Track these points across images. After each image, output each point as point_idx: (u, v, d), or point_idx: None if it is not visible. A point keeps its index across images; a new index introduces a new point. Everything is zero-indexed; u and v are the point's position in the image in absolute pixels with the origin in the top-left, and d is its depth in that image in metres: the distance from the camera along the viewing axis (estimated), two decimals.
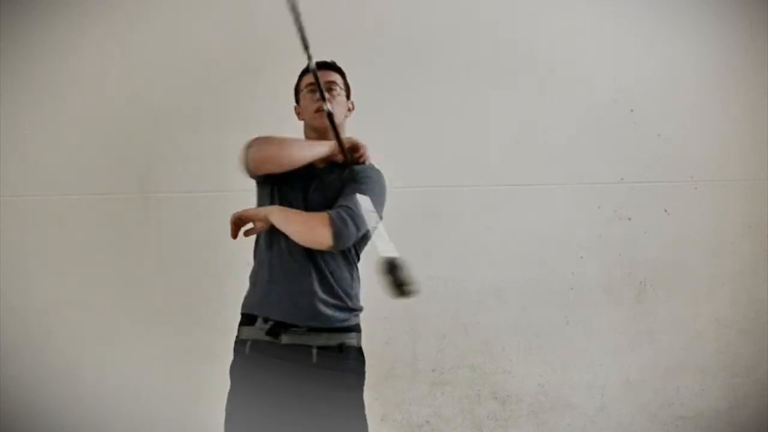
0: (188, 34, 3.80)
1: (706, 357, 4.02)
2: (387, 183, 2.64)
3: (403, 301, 3.79)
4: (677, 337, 4.00)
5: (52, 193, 3.78)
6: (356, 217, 2.44)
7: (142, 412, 3.75)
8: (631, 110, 3.99)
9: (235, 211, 2.57)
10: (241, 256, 3.63)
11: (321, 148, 2.57)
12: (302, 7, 3.79)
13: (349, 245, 2.51)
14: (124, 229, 3.78)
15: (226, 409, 2.56)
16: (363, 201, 2.44)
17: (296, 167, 2.53)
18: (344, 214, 2.44)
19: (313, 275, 2.51)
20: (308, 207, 2.54)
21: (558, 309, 3.95)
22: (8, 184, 3.76)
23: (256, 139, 2.57)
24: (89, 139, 3.78)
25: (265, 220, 2.52)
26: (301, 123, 2.76)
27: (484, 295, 3.91)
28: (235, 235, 2.57)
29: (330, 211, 2.45)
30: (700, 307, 4.02)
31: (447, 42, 3.90)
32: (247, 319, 2.58)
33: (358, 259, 2.63)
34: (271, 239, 2.57)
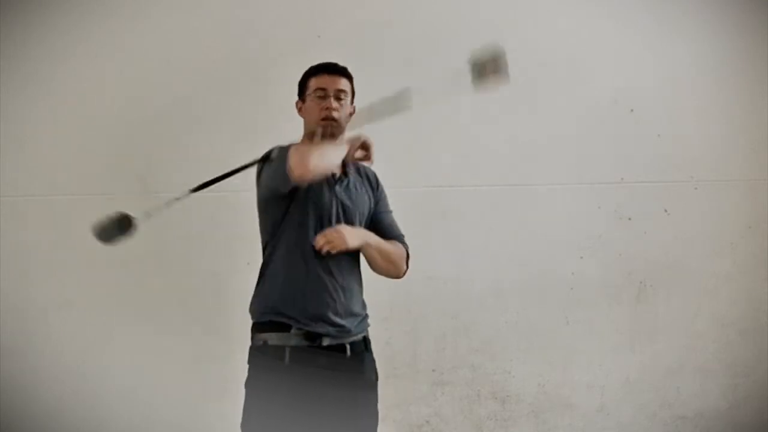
0: (189, 34, 3.80)
1: (706, 357, 4.02)
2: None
3: (403, 301, 3.81)
4: (677, 337, 4.01)
5: (52, 193, 3.77)
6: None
7: (142, 412, 3.75)
8: (631, 110, 3.99)
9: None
10: (242, 256, 3.64)
11: (342, 153, 2.60)
12: (306, 8, 3.80)
13: None
14: None
15: (253, 417, 2.51)
16: None
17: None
18: (401, 236, 2.71)
19: (352, 281, 2.60)
20: (340, 213, 2.59)
21: (558, 309, 3.95)
22: (8, 184, 3.75)
23: (288, 148, 2.49)
24: (89, 139, 3.78)
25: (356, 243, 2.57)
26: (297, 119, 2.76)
27: (484, 295, 3.91)
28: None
29: (403, 245, 2.68)
30: (700, 307, 4.02)
31: (447, 42, 3.90)
32: (276, 326, 2.53)
33: None
34: (295, 244, 2.56)
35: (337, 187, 2.60)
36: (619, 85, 3.98)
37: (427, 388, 3.90)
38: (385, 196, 2.73)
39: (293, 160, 2.39)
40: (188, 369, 3.73)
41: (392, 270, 2.64)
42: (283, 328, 2.52)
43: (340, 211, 2.59)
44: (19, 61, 3.73)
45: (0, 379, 3.70)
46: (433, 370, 3.90)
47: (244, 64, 3.80)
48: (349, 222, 2.59)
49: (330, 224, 2.55)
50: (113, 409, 3.74)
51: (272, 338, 2.53)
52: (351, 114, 2.67)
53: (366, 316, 2.64)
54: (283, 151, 2.48)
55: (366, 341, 2.62)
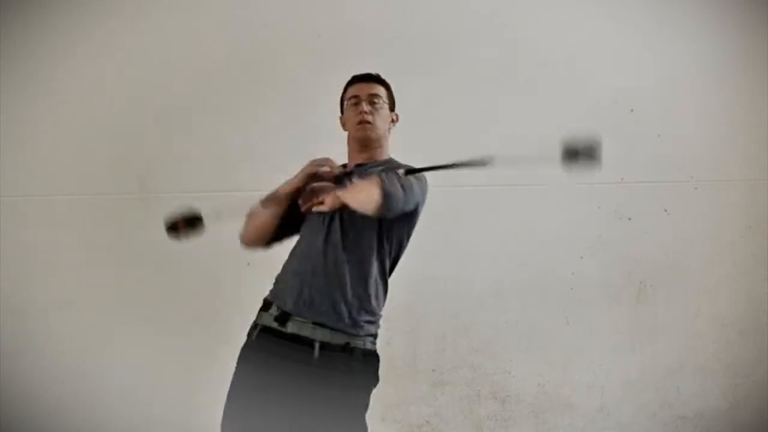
0: (188, 34, 3.80)
1: (706, 357, 4.02)
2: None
3: (403, 301, 3.81)
4: (677, 337, 4.00)
5: (52, 193, 3.78)
6: (406, 186, 2.45)
7: (142, 412, 3.75)
8: (631, 110, 3.99)
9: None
10: (241, 256, 3.64)
11: (274, 196, 2.59)
12: (308, 9, 3.81)
13: (396, 212, 2.46)
14: (124, 229, 3.78)
15: (228, 390, 2.57)
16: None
17: (273, 225, 2.60)
18: (394, 178, 2.44)
19: (339, 272, 2.52)
20: (338, 218, 2.56)
21: (558, 309, 3.94)
22: (8, 184, 3.75)
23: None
24: (89, 139, 3.78)
25: (335, 198, 2.45)
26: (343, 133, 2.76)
27: (484, 295, 3.91)
28: (307, 209, 2.53)
29: (379, 180, 2.42)
30: (700, 307, 4.02)
31: (447, 42, 3.90)
32: (264, 305, 2.60)
33: (391, 270, 2.64)
34: (312, 229, 2.58)
35: (345, 182, 2.60)
36: (619, 85, 3.98)
37: (427, 388, 3.90)
38: (396, 168, 2.58)
39: (242, 234, 2.67)
40: (188, 369, 3.74)
41: (355, 197, 2.41)
42: (267, 307, 2.58)
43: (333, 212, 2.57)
44: (19, 61, 3.73)
45: (0, 379, 3.70)
46: (433, 370, 3.90)
47: (244, 64, 3.80)
48: (346, 215, 2.54)
49: (328, 217, 2.55)
50: (113, 409, 3.74)
51: (257, 316, 2.60)
52: (393, 121, 2.74)
53: (352, 325, 2.52)
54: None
55: (347, 349, 2.50)
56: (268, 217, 2.60)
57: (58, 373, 3.73)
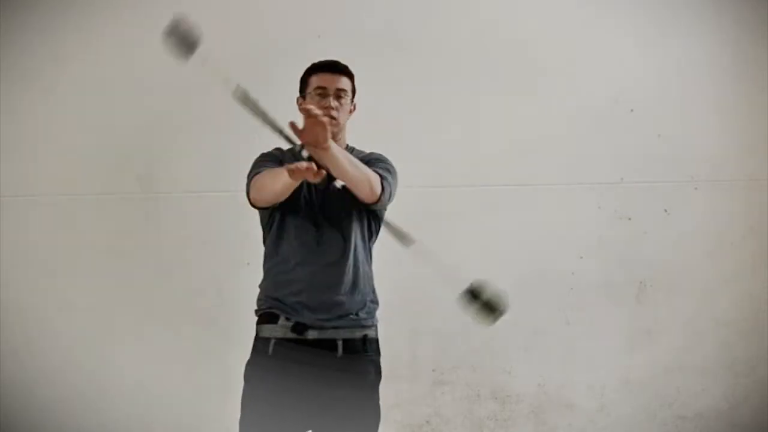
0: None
1: (706, 357, 4.02)
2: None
3: (403, 301, 3.81)
4: (677, 337, 4.00)
5: (52, 193, 3.78)
6: (393, 176, 2.59)
7: (141, 412, 3.75)
8: (631, 110, 3.99)
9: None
10: (241, 256, 3.65)
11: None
12: (308, 9, 3.81)
13: (386, 205, 2.59)
14: (124, 229, 3.78)
15: (243, 408, 2.52)
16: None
17: (290, 192, 2.49)
18: (384, 172, 2.55)
19: (344, 267, 2.54)
20: (324, 218, 2.56)
21: (558, 309, 3.94)
22: (8, 184, 3.76)
23: (256, 173, 2.55)
24: (89, 139, 3.78)
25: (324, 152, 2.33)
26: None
27: None
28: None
29: (377, 175, 2.51)
30: (700, 307, 4.01)
31: (447, 42, 3.90)
32: (267, 317, 2.56)
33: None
34: (298, 228, 2.55)
35: (317, 199, 2.59)
36: (619, 85, 3.98)
37: (427, 388, 3.90)
38: (382, 162, 2.62)
39: (253, 189, 2.53)
40: (188, 369, 3.74)
41: (357, 177, 2.43)
42: (273, 319, 2.54)
43: (318, 198, 2.57)
44: (19, 61, 3.73)
45: (0, 380, 3.70)
46: (433, 370, 3.90)
47: (244, 64, 3.80)
48: (330, 208, 2.56)
49: (312, 212, 2.55)
50: (113, 409, 3.75)
51: (263, 330, 2.55)
52: (351, 112, 2.68)
53: (367, 316, 2.58)
54: (250, 173, 2.57)
55: (366, 341, 2.56)
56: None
57: (58, 373, 3.73)
